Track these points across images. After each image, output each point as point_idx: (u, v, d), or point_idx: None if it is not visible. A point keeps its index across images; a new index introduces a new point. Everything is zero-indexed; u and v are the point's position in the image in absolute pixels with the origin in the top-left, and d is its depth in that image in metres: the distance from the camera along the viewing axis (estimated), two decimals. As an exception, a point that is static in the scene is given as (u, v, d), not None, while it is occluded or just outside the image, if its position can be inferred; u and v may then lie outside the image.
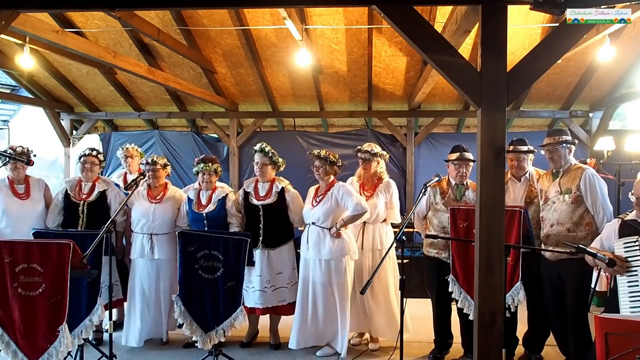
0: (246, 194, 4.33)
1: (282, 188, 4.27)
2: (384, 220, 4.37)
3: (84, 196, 4.36)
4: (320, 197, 4.14)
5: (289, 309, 4.29)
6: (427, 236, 4.03)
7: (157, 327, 4.34)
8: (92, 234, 3.56)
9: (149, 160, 4.35)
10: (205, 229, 4.15)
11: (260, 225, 4.21)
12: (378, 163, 4.36)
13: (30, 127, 12.05)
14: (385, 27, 5.13)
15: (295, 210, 4.29)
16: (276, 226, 4.25)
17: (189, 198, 4.34)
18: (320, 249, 4.06)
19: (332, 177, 4.19)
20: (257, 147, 4.30)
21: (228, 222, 4.28)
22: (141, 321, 4.28)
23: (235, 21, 5.16)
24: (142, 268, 4.29)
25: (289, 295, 4.27)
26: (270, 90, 6.59)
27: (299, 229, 4.38)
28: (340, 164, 4.23)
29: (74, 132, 7.66)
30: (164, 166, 4.41)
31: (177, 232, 3.82)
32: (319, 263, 4.08)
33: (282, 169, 4.37)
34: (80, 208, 4.31)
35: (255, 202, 4.26)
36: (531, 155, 4.10)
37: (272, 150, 4.29)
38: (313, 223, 4.12)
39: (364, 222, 4.27)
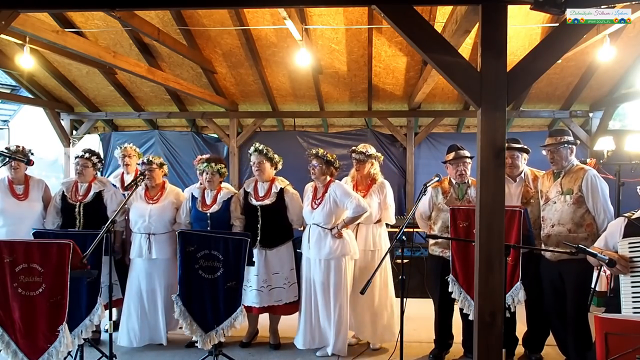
0: (246, 194, 4.33)
1: (282, 189, 4.26)
2: (378, 221, 4.37)
3: (80, 197, 4.35)
4: (319, 200, 4.13)
5: (285, 309, 4.28)
6: (428, 236, 4.04)
7: (155, 329, 4.32)
8: (92, 234, 3.56)
9: (145, 160, 4.34)
10: (208, 228, 4.14)
11: (258, 226, 4.20)
12: (372, 165, 4.36)
13: (30, 127, 12.07)
14: (385, 27, 5.14)
15: (294, 211, 4.27)
16: (274, 227, 4.24)
17: (193, 196, 4.31)
18: (321, 248, 4.06)
19: (328, 178, 4.18)
20: (251, 150, 4.31)
21: (231, 223, 4.27)
22: (137, 321, 4.28)
23: (235, 21, 5.16)
24: (140, 268, 4.29)
25: (286, 296, 4.25)
26: (270, 90, 6.59)
27: (299, 229, 4.38)
28: (337, 165, 4.22)
29: (74, 132, 7.67)
30: (160, 165, 4.40)
31: (177, 232, 3.81)
32: (319, 262, 4.08)
33: (279, 165, 4.35)
34: (76, 209, 4.30)
35: (254, 202, 4.25)
36: (525, 155, 4.09)
37: (267, 148, 4.28)
38: (314, 224, 4.12)
39: (358, 224, 4.27)
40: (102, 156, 4.70)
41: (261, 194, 4.27)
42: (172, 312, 4.18)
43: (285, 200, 4.25)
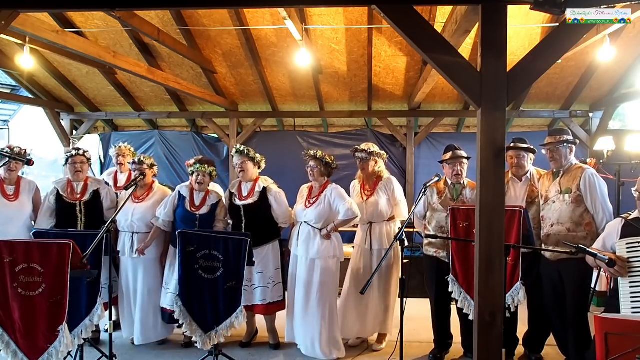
0: (231, 194, 4.33)
1: (264, 188, 4.24)
2: (392, 219, 4.35)
3: (78, 196, 4.32)
4: (314, 199, 4.14)
5: (269, 308, 4.27)
6: (427, 236, 4.04)
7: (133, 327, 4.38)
8: (91, 234, 3.55)
9: (136, 160, 4.34)
10: (196, 229, 4.12)
11: (242, 225, 4.20)
12: (376, 162, 4.34)
13: (30, 127, 12.08)
14: (385, 27, 5.14)
15: (280, 210, 4.24)
16: (259, 226, 4.19)
17: (180, 194, 4.29)
18: (309, 247, 4.07)
19: (325, 179, 4.19)
20: (233, 151, 4.33)
21: (214, 226, 4.26)
22: (129, 316, 4.37)
23: (235, 21, 5.16)
24: (127, 266, 4.33)
25: (270, 295, 4.23)
26: (270, 90, 6.59)
27: (285, 227, 4.36)
28: (334, 166, 4.22)
29: (74, 132, 7.66)
30: (151, 166, 4.40)
31: (177, 232, 3.81)
32: (306, 261, 4.09)
33: (262, 164, 4.35)
34: (78, 208, 4.29)
35: (237, 202, 4.25)
36: (531, 155, 4.10)
37: (248, 148, 4.30)
38: (305, 222, 4.12)
39: (370, 222, 4.27)
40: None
41: (244, 193, 4.27)
42: (148, 316, 4.31)
43: (269, 199, 4.23)
